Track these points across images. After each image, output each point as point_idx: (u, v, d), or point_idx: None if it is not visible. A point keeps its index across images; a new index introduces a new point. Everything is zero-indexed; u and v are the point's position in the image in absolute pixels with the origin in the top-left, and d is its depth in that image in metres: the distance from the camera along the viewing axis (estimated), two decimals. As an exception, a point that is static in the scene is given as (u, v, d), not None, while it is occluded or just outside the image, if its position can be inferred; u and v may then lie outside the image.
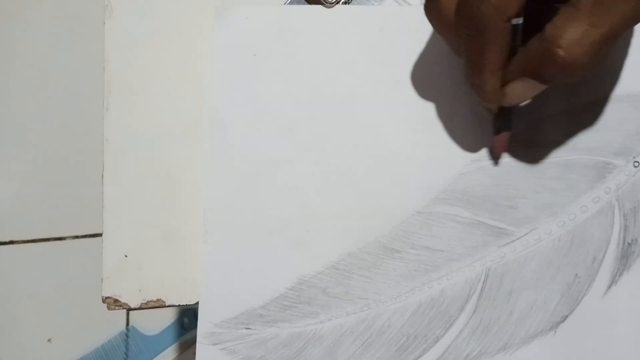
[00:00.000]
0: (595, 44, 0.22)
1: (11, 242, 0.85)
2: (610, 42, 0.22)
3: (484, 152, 0.28)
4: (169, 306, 0.29)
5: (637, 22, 0.22)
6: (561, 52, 0.22)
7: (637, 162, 0.28)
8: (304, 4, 0.30)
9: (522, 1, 0.22)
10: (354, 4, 0.30)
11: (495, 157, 0.28)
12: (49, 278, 0.84)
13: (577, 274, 0.27)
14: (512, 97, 0.25)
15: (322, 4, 0.30)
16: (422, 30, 0.29)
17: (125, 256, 0.29)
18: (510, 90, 0.25)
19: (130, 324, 0.84)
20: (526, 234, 0.28)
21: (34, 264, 0.85)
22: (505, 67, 0.24)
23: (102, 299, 0.29)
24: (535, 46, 0.23)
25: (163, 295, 0.29)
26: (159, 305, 0.29)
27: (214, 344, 0.28)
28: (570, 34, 0.22)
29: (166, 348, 0.84)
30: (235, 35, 0.30)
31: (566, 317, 0.27)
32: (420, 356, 0.27)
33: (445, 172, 0.28)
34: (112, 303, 0.29)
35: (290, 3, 0.30)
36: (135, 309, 0.29)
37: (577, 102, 0.29)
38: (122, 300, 0.29)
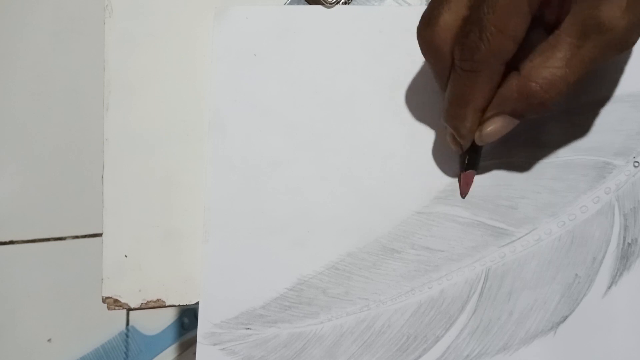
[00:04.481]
0: (570, 85, 0.22)
1: (11, 242, 0.85)
2: (585, 79, 0.22)
3: (483, 153, 0.28)
4: (169, 306, 0.29)
5: (613, 57, 0.22)
6: (538, 92, 0.22)
7: (637, 162, 0.28)
8: (304, 4, 0.30)
9: (518, 45, 0.22)
10: (354, 5, 0.30)
11: (461, 194, 0.28)
12: (49, 278, 0.84)
13: (577, 274, 0.27)
14: (488, 135, 0.25)
15: (322, 4, 0.30)
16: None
17: (125, 256, 0.29)
18: (486, 128, 0.25)
19: (130, 324, 0.84)
20: (526, 234, 0.28)
21: (34, 264, 0.85)
22: (486, 107, 0.24)
23: (102, 299, 0.29)
24: (512, 84, 0.23)
25: (163, 295, 0.29)
26: (159, 305, 0.29)
27: (214, 344, 0.28)
28: (547, 74, 0.22)
29: (166, 348, 0.84)
30: (236, 35, 0.30)
31: (566, 317, 0.27)
32: (420, 356, 0.27)
33: (445, 172, 0.28)
34: (112, 303, 0.29)
35: (290, 3, 0.30)
36: (135, 309, 0.29)
37: (577, 102, 0.29)
38: (122, 300, 0.29)
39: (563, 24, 0.22)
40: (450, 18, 0.23)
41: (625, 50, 0.22)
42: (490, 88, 0.24)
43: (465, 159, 0.27)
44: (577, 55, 0.22)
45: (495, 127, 0.25)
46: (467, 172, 0.28)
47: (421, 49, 0.25)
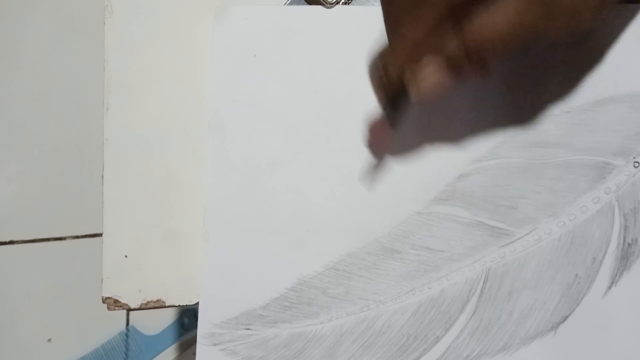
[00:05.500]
0: (508, 43, 0.22)
1: (11, 242, 0.85)
2: (526, 42, 0.22)
3: (483, 153, 0.28)
4: (169, 306, 0.29)
5: (560, 32, 0.22)
6: (475, 45, 0.22)
7: (637, 162, 0.28)
8: (304, 4, 0.30)
9: None
10: (354, 5, 0.30)
11: (368, 145, 0.27)
12: (49, 278, 0.84)
13: (577, 274, 0.27)
14: (425, 88, 0.24)
15: (322, 4, 0.30)
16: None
17: (125, 256, 0.29)
18: (423, 80, 0.24)
19: (130, 324, 0.84)
20: (526, 234, 0.28)
21: (34, 264, 0.85)
22: (421, 46, 0.23)
23: (102, 299, 0.29)
24: (451, 35, 0.23)
25: (163, 295, 0.29)
26: (159, 305, 0.29)
27: (214, 345, 0.28)
28: (486, 29, 0.22)
29: (166, 348, 0.84)
30: (236, 35, 0.30)
31: (566, 317, 0.27)
32: (420, 356, 0.27)
33: (444, 173, 0.28)
34: (112, 303, 0.29)
35: (290, 3, 0.30)
36: (135, 309, 0.29)
37: (577, 102, 0.29)
38: (122, 301, 0.29)
39: None
40: None
41: (573, 28, 0.22)
42: (429, 26, 0.23)
43: (386, 109, 0.26)
44: (519, 15, 0.21)
45: (431, 80, 0.24)
46: (381, 121, 0.26)
47: None
